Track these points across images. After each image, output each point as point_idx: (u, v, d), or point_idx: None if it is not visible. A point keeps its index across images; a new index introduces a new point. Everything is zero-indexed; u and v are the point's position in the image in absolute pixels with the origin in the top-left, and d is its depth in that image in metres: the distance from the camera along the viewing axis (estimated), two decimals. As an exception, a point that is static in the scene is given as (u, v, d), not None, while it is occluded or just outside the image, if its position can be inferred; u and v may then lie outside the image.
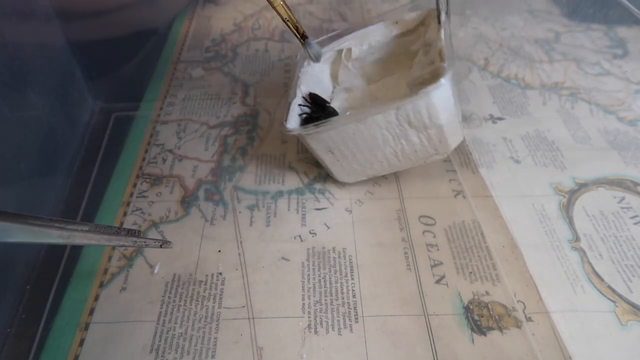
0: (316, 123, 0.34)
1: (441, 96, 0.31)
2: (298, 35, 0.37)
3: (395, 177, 0.41)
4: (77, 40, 0.46)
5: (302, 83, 0.39)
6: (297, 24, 0.37)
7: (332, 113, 0.38)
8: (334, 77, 0.43)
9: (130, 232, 0.29)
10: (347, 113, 0.34)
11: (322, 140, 0.36)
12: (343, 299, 0.33)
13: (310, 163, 0.42)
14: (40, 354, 0.30)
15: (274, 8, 0.35)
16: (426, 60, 0.37)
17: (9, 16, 0.36)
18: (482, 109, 0.48)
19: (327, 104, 0.39)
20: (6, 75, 0.35)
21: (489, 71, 0.53)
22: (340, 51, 0.42)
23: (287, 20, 0.36)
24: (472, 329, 0.31)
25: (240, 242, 0.36)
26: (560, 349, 0.30)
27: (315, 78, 0.41)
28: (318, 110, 0.38)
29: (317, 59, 0.40)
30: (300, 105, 0.38)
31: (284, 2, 0.35)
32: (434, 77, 0.34)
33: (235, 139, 0.45)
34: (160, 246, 0.31)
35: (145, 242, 0.30)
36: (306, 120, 0.37)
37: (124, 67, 0.53)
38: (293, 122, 0.37)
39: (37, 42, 0.40)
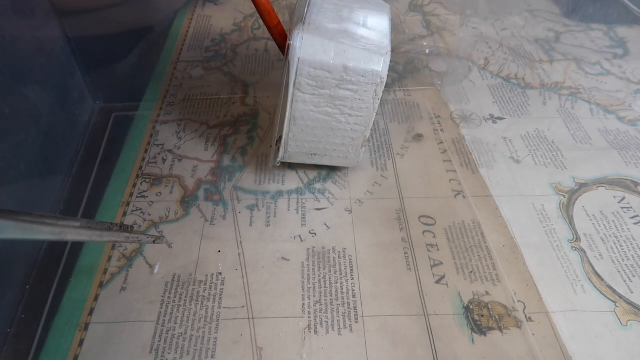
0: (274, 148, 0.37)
1: (306, 50, 0.32)
2: None
3: (395, 177, 0.41)
4: (76, 39, 0.46)
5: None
6: None
7: None
8: None
9: (123, 228, 0.29)
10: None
11: (296, 154, 0.38)
12: (343, 299, 0.33)
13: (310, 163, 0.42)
14: (39, 354, 0.30)
15: None
16: None
17: (8, 15, 0.36)
18: (482, 109, 0.48)
19: None
20: (6, 74, 0.35)
21: (489, 71, 0.53)
22: None
23: None
24: (472, 329, 0.31)
25: (240, 242, 0.36)
26: (560, 349, 0.30)
27: None
28: None
29: None
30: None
31: None
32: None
33: (235, 139, 0.44)
34: (154, 242, 0.31)
35: (138, 237, 0.29)
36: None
37: (124, 67, 0.53)
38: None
39: (37, 41, 0.40)
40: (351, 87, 0.33)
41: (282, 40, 0.36)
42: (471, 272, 0.34)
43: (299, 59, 0.32)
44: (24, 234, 0.23)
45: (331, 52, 0.32)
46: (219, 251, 0.35)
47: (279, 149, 0.37)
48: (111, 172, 0.42)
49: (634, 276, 0.34)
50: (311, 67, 0.32)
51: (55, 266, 0.35)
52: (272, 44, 0.57)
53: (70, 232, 0.25)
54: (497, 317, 0.32)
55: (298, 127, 0.35)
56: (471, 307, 0.32)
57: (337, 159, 0.39)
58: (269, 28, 0.35)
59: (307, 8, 0.34)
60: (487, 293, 0.33)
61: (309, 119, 0.35)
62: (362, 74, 0.32)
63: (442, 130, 0.46)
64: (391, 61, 0.33)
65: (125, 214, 0.38)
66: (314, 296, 0.33)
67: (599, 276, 0.34)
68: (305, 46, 0.32)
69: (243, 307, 0.32)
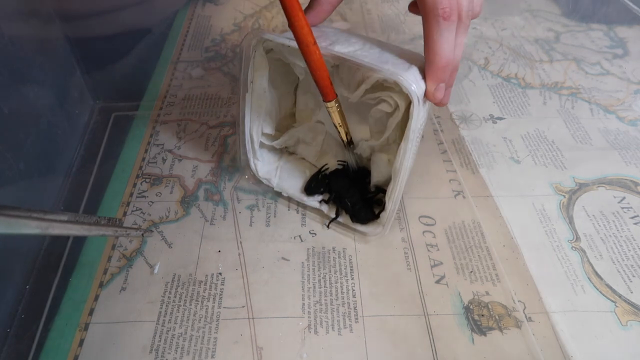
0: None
1: (419, 90, 0.29)
2: (345, 141, 0.35)
3: (395, 177, 0.41)
4: (77, 39, 0.46)
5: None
6: (347, 130, 0.34)
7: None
8: None
9: (111, 222, 0.28)
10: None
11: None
12: (343, 299, 0.33)
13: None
14: (40, 354, 0.30)
15: (328, 110, 0.32)
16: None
17: (9, 15, 0.36)
18: (482, 109, 0.48)
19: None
20: (5, 74, 0.34)
21: (489, 71, 0.53)
22: None
23: (340, 126, 0.33)
24: (472, 329, 0.31)
25: (240, 242, 0.36)
26: (560, 349, 0.30)
27: None
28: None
29: (357, 165, 0.38)
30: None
31: (341, 108, 0.32)
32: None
33: (235, 139, 0.44)
34: (142, 235, 0.30)
35: (126, 231, 0.29)
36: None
37: (124, 67, 0.52)
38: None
39: (37, 41, 0.40)
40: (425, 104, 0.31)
41: (326, 87, 0.31)
42: (471, 272, 0.34)
43: (418, 100, 0.28)
44: (10, 228, 0.22)
45: (418, 80, 0.29)
46: (219, 251, 0.35)
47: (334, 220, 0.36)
48: (111, 172, 0.41)
49: (633, 276, 0.34)
50: (422, 107, 0.29)
51: (55, 266, 0.35)
52: (272, 44, 0.57)
53: (58, 226, 0.24)
54: (497, 317, 0.32)
55: (402, 180, 0.32)
56: (471, 307, 0.32)
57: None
58: (318, 80, 0.30)
59: (349, 56, 0.30)
60: (487, 293, 0.33)
61: (410, 165, 0.32)
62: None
63: (442, 130, 0.46)
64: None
65: (125, 214, 0.38)
66: (314, 296, 0.33)
67: (599, 276, 0.34)
68: (417, 86, 0.29)
69: (243, 307, 0.32)
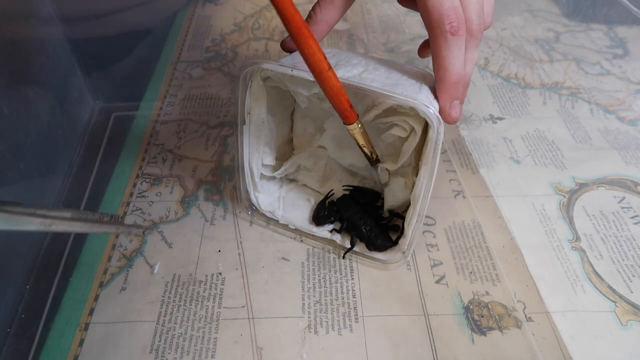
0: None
1: (436, 112, 0.29)
2: (372, 159, 0.33)
3: (395, 177, 0.41)
4: (77, 40, 0.46)
5: None
6: (373, 149, 0.32)
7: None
8: None
9: (114, 219, 0.28)
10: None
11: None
12: (343, 299, 0.33)
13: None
14: (39, 354, 0.30)
15: (350, 132, 0.30)
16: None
17: (9, 15, 0.36)
18: (482, 109, 0.48)
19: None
20: (5, 74, 0.34)
21: (489, 71, 0.53)
22: None
23: (364, 146, 0.31)
24: (472, 329, 0.31)
25: (240, 242, 0.36)
26: (560, 349, 0.30)
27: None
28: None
29: (383, 183, 0.36)
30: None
31: (364, 129, 0.30)
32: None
33: (233, 142, 0.44)
34: (144, 232, 0.30)
35: (128, 229, 0.29)
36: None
37: (124, 67, 0.53)
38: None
39: (37, 41, 0.40)
40: None
41: (346, 111, 0.29)
42: (471, 272, 0.34)
43: (439, 121, 0.27)
44: (13, 225, 0.22)
45: (432, 101, 0.28)
46: (219, 251, 0.35)
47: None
48: (111, 172, 0.42)
49: (633, 276, 0.34)
50: (440, 127, 0.28)
51: (55, 266, 0.35)
52: (272, 44, 0.57)
53: (61, 223, 0.24)
54: (497, 317, 0.32)
55: (423, 206, 0.30)
56: (471, 307, 0.32)
57: None
58: (336, 105, 0.28)
59: (356, 82, 0.28)
60: (487, 293, 0.33)
61: (431, 189, 0.30)
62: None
63: (442, 130, 0.46)
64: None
65: (125, 213, 0.38)
66: (314, 296, 0.33)
67: (599, 276, 0.34)
68: (434, 109, 0.27)
69: (243, 307, 0.32)
